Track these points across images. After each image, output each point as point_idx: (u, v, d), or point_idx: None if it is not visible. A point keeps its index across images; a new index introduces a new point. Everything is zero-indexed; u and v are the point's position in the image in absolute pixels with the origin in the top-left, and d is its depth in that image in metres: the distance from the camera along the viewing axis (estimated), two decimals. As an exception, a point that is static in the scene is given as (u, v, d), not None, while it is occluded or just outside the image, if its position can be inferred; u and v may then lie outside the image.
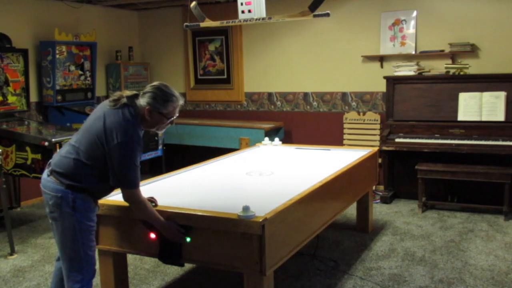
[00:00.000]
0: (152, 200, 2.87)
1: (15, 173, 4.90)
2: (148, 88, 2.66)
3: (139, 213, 2.70)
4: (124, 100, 2.63)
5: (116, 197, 3.14)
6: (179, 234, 2.71)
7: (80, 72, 6.27)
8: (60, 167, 2.61)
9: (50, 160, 2.72)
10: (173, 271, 3.89)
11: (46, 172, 2.68)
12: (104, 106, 2.66)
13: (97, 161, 2.59)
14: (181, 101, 2.69)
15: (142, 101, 2.62)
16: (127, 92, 2.69)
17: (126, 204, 2.97)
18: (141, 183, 3.49)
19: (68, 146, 2.68)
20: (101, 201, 3.00)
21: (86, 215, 2.63)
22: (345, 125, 6.24)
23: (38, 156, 4.71)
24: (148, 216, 2.69)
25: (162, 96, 2.61)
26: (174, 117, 2.71)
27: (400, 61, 5.77)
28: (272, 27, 6.54)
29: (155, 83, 2.70)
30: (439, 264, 3.89)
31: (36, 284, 3.73)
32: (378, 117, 6.03)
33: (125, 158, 2.55)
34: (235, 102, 7.01)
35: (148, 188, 3.42)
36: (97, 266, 2.81)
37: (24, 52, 5.56)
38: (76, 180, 2.59)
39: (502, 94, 5.13)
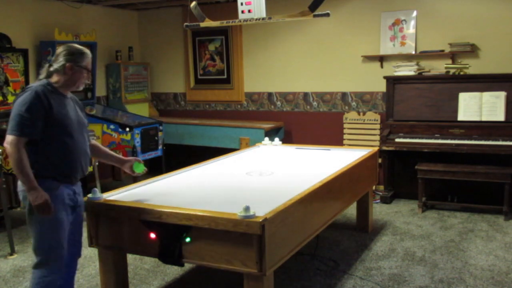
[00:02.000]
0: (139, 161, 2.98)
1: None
2: (58, 52, 2.76)
3: (14, 164, 2.58)
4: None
5: (116, 197, 3.14)
6: (47, 210, 2.59)
7: (80, 72, 6.27)
8: None
9: None
10: (173, 271, 3.89)
11: None
12: None
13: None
14: (90, 52, 2.82)
15: (58, 64, 2.71)
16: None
17: (126, 204, 2.98)
18: (141, 183, 3.52)
19: None
20: (101, 201, 3.00)
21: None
22: (345, 125, 6.24)
23: (38, 156, 4.70)
24: (20, 172, 2.57)
25: (76, 51, 2.75)
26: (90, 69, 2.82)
27: (400, 61, 5.77)
28: (272, 27, 6.54)
29: (60, 46, 2.82)
30: (439, 264, 3.89)
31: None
32: (378, 117, 6.03)
33: (17, 106, 2.60)
34: (235, 102, 7.01)
35: (148, 188, 3.43)
36: (97, 266, 2.81)
37: (24, 52, 5.56)
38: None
39: (502, 94, 5.13)
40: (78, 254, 2.96)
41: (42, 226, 2.64)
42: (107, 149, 3.19)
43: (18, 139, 2.56)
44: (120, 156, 3.24)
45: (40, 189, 2.59)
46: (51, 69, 2.73)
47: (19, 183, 2.68)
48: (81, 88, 2.85)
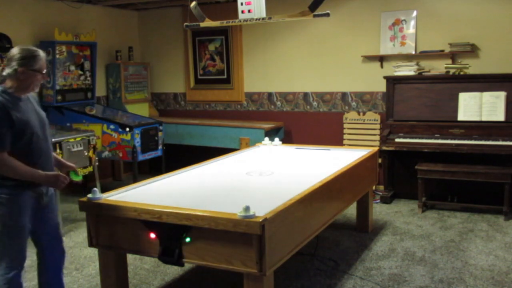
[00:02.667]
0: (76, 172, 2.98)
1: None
2: (10, 55, 2.69)
3: (11, 174, 2.62)
4: None
5: (116, 197, 3.14)
6: (64, 180, 2.73)
7: (80, 72, 6.27)
8: None
9: None
10: (173, 271, 3.89)
11: None
12: None
13: None
14: (43, 54, 2.75)
15: (10, 69, 2.66)
16: None
17: (126, 204, 2.97)
18: (141, 183, 3.52)
19: None
20: (101, 201, 3.00)
21: None
22: (345, 125, 6.24)
23: (38, 156, 4.70)
24: (22, 175, 2.63)
25: (28, 54, 2.68)
26: (45, 71, 2.76)
27: (400, 61, 5.77)
28: (272, 27, 6.54)
29: (13, 49, 2.73)
30: (439, 264, 3.89)
31: (36, 284, 3.72)
32: (378, 117, 6.03)
33: None
34: (235, 102, 7.01)
35: (148, 188, 3.43)
36: (97, 266, 2.81)
37: (24, 52, 5.56)
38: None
39: (502, 94, 5.13)
40: (61, 251, 2.99)
41: (4, 234, 2.67)
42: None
43: (3, 153, 2.58)
44: (61, 160, 3.12)
45: (44, 174, 2.69)
46: (4, 73, 2.68)
47: None
48: (36, 90, 2.82)
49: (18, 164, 2.62)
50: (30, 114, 2.73)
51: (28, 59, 2.67)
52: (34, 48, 2.74)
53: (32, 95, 2.87)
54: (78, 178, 3.01)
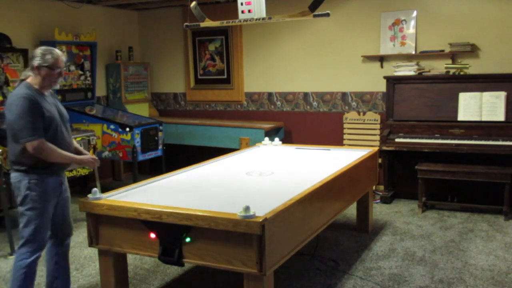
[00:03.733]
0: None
1: (15, 173, 4.89)
2: (32, 54, 3.00)
3: (53, 158, 2.94)
4: (18, 82, 3.04)
5: (116, 197, 3.15)
6: (95, 162, 3.13)
7: (80, 72, 6.27)
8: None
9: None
10: (173, 271, 3.89)
11: None
12: None
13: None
14: (60, 53, 3.00)
15: (30, 68, 2.98)
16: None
17: (126, 204, 2.98)
18: (141, 182, 3.52)
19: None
20: (101, 201, 3.00)
21: None
22: (345, 125, 6.24)
23: (38, 156, 4.70)
24: (64, 158, 2.99)
25: (41, 53, 2.96)
26: (62, 69, 3.01)
27: (400, 61, 5.77)
28: (272, 27, 6.54)
29: (36, 49, 3.05)
30: (439, 264, 3.89)
31: (36, 284, 3.71)
32: (378, 117, 6.03)
33: (18, 115, 2.84)
34: (235, 102, 7.01)
35: (148, 188, 3.43)
36: (97, 266, 2.83)
37: (24, 52, 5.56)
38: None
39: (502, 94, 5.13)
40: (69, 231, 3.28)
41: (31, 214, 2.94)
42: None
43: (38, 142, 2.85)
44: (80, 149, 3.34)
45: (79, 157, 3.10)
46: (27, 72, 3.00)
47: (12, 175, 2.98)
48: (55, 87, 3.07)
49: (57, 152, 2.93)
50: (52, 107, 3.01)
51: (39, 57, 2.93)
52: (49, 48, 3.00)
53: (53, 94, 3.16)
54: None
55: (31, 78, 2.96)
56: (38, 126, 2.85)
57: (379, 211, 5.32)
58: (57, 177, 3.06)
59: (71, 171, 4.81)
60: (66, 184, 3.23)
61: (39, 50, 2.97)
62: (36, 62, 2.93)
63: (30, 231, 2.94)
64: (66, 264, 3.30)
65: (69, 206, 3.25)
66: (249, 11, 3.49)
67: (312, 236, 3.30)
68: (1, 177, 4.25)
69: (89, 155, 3.19)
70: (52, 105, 3.02)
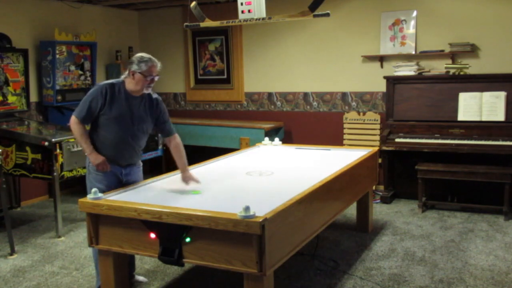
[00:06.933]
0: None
1: (15, 173, 4.90)
2: (130, 59, 3.28)
3: (74, 136, 3.35)
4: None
5: (116, 197, 3.14)
6: (103, 167, 3.29)
7: (80, 72, 6.27)
8: None
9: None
10: (173, 271, 3.89)
11: None
12: None
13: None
14: (156, 62, 3.25)
15: (127, 69, 3.27)
16: None
17: (126, 204, 2.98)
18: (141, 183, 3.52)
19: None
20: (101, 201, 3.00)
21: None
22: (345, 125, 6.24)
23: (38, 156, 4.71)
24: (79, 143, 3.36)
25: (137, 60, 3.22)
26: (154, 77, 3.26)
27: (400, 61, 5.77)
28: (272, 27, 6.54)
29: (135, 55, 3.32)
30: (439, 264, 3.89)
31: (36, 284, 3.73)
32: (378, 117, 6.03)
33: (87, 94, 3.29)
34: (235, 102, 7.01)
35: (148, 188, 3.43)
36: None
37: (24, 52, 5.57)
38: None
39: (502, 94, 5.13)
40: None
41: (94, 181, 3.31)
42: (182, 153, 3.60)
43: (74, 119, 3.24)
44: (184, 165, 3.55)
45: (97, 153, 3.28)
46: (125, 73, 3.31)
47: None
48: (145, 92, 3.30)
49: (82, 133, 3.25)
50: (131, 108, 3.29)
51: (135, 63, 3.21)
52: (146, 55, 3.26)
53: (151, 99, 3.44)
54: (196, 193, 3.29)
55: (127, 80, 3.27)
56: (83, 110, 3.20)
57: (379, 211, 5.32)
58: (114, 167, 3.35)
59: (71, 171, 4.81)
60: (130, 178, 3.46)
61: (136, 57, 3.22)
62: (132, 68, 3.21)
63: None
64: None
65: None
66: (249, 11, 3.49)
67: (312, 236, 3.30)
68: (1, 177, 4.24)
69: (102, 158, 3.30)
70: (135, 106, 3.29)
